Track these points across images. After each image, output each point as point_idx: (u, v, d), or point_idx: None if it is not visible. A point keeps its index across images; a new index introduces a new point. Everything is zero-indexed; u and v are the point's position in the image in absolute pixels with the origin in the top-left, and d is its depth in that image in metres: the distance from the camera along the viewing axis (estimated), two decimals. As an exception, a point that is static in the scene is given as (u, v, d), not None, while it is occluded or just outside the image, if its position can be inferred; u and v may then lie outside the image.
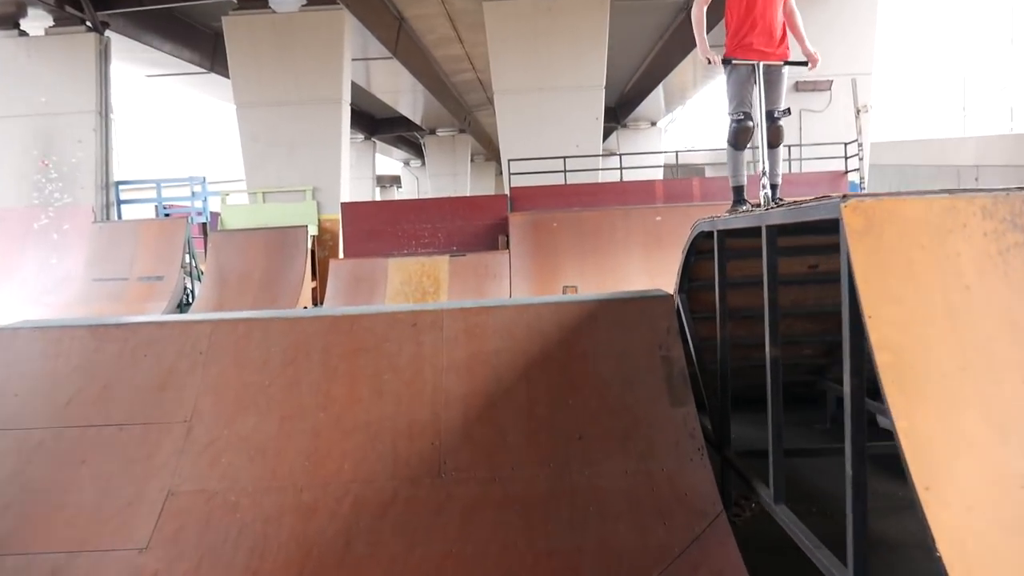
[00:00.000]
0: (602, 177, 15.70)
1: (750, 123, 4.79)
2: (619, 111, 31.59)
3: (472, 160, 38.48)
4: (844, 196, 2.49)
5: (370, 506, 3.57)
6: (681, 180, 14.33)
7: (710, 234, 4.42)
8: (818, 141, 14.71)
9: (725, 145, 5.02)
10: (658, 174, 19.79)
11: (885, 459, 5.01)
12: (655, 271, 12.71)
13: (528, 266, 13.01)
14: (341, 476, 3.69)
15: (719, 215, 4.41)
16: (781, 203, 4.14)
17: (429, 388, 3.99)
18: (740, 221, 3.79)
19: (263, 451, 3.78)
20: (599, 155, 15.32)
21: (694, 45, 5.23)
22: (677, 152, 14.57)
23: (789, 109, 4.80)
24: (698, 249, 4.85)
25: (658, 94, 28.27)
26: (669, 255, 13.03)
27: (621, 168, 14.85)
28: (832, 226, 4.14)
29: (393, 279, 13.24)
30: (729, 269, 4.65)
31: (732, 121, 4.85)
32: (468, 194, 35.39)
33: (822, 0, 15.43)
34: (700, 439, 3.82)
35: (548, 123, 15.35)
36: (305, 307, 14.71)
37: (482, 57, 21.81)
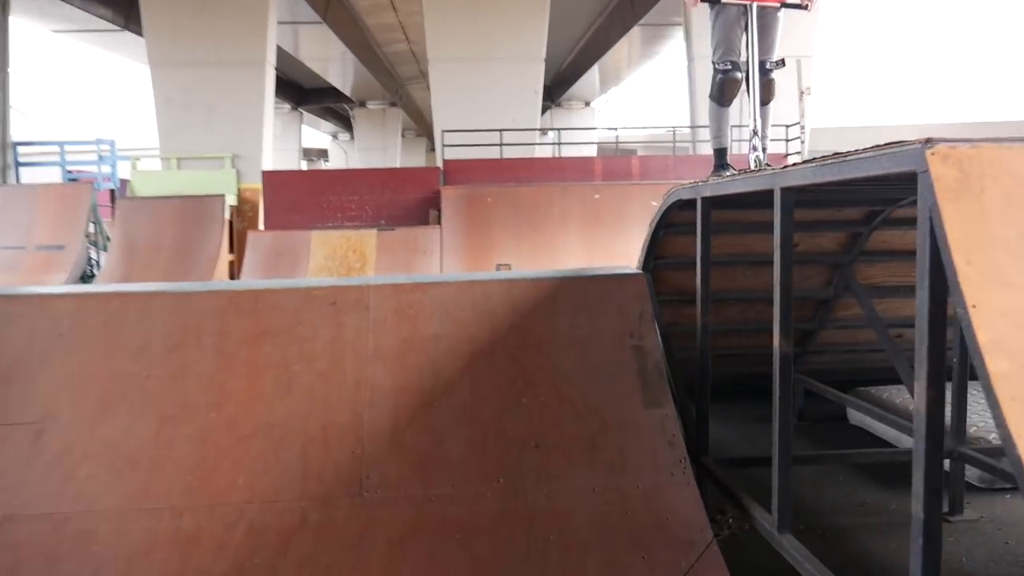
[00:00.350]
0: (538, 153, 14.98)
1: (738, 74, 4.07)
2: (553, 90, 30.86)
3: (403, 136, 37.30)
4: (928, 140, 1.78)
5: (270, 535, 2.75)
6: (620, 158, 13.69)
7: (687, 203, 3.71)
8: (758, 123, 14.21)
9: (708, 100, 4.28)
10: (591, 154, 19.20)
11: (872, 467, 4.45)
12: (593, 250, 12.08)
13: (460, 242, 12.22)
14: (234, 495, 2.86)
15: (700, 180, 3.70)
16: (772, 168, 3.46)
17: (350, 382, 3.18)
18: (741, 184, 3.07)
19: (134, 462, 2.92)
20: (536, 129, 14.56)
21: (633, 23, 4.50)
22: (617, 130, 13.88)
23: (784, 60, 4.12)
24: (669, 222, 4.14)
25: (593, 73, 27.66)
26: (607, 234, 12.42)
27: (559, 143, 14.12)
28: (848, 194, 3.42)
29: (316, 253, 12.29)
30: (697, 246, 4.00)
31: (717, 72, 4.13)
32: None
33: (765, -21, 14.94)
34: (681, 448, 3.11)
35: (484, 95, 14.53)
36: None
37: (416, 27, 20.79)
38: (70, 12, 16.89)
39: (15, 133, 15.10)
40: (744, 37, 3.99)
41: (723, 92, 4.16)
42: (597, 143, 23.20)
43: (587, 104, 31.84)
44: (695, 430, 3.59)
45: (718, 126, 4.29)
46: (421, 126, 40.10)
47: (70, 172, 15.75)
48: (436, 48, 14.52)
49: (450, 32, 14.37)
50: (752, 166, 3.91)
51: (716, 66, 4.14)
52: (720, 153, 4.32)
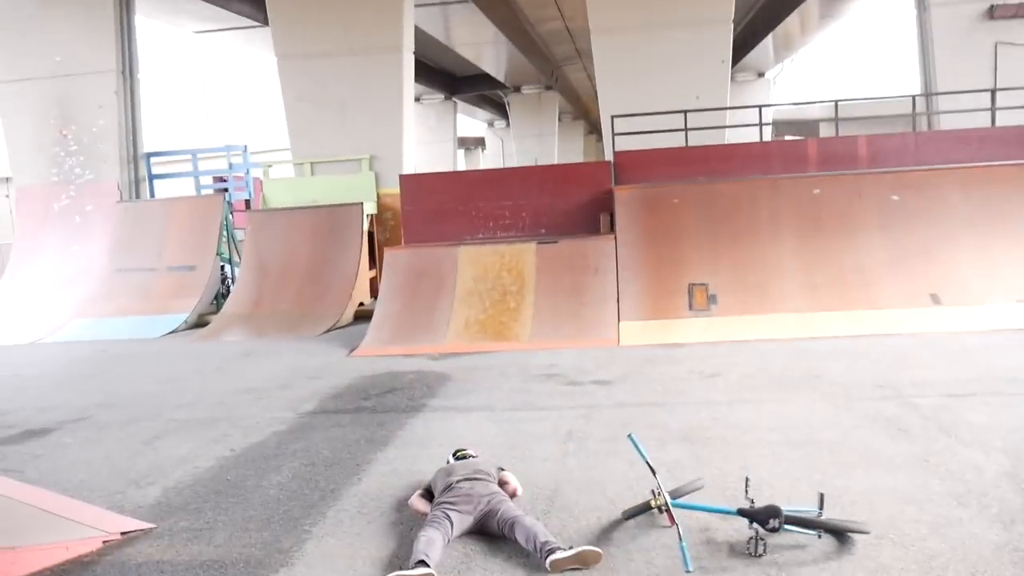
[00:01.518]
0: (729, 139, 11.65)
1: None
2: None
3: (560, 120, 34.32)
4: None
5: None
6: (842, 139, 10.13)
7: None
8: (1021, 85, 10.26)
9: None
10: (766, 133, 15.54)
11: None
12: (813, 265, 8.69)
13: (640, 257, 9.18)
14: None
15: None
16: None
17: None
18: None
19: None
20: (727, 108, 11.25)
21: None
22: (836, 102, 10.23)
23: None
24: None
25: (767, 41, 23.60)
26: (832, 243, 8.85)
27: (761, 125, 10.72)
28: None
29: (464, 274, 9.60)
30: None
31: None
32: (557, 158, 31.40)
33: None
34: None
35: (659, 69, 11.38)
36: (361, 303, 11.29)
37: (570, 1, 17.78)
38: (207, 10, 15.05)
39: (149, 142, 13.35)
40: None
41: None
42: (771, 123, 19.43)
43: (760, 75, 27.63)
44: None
45: None
46: (578, 109, 37.02)
47: (209, 182, 13.91)
48: (599, 15, 11.49)
49: (615, -4, 11.30)
50: None
51: None
52: None
